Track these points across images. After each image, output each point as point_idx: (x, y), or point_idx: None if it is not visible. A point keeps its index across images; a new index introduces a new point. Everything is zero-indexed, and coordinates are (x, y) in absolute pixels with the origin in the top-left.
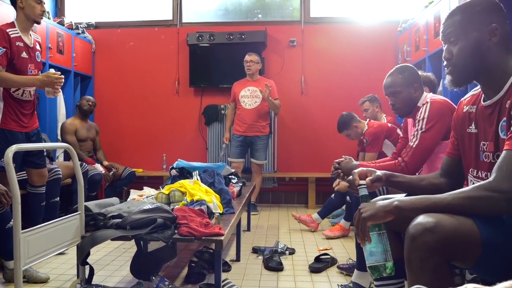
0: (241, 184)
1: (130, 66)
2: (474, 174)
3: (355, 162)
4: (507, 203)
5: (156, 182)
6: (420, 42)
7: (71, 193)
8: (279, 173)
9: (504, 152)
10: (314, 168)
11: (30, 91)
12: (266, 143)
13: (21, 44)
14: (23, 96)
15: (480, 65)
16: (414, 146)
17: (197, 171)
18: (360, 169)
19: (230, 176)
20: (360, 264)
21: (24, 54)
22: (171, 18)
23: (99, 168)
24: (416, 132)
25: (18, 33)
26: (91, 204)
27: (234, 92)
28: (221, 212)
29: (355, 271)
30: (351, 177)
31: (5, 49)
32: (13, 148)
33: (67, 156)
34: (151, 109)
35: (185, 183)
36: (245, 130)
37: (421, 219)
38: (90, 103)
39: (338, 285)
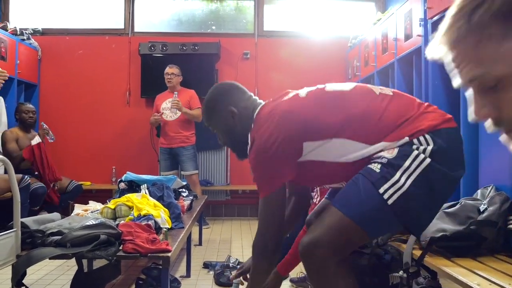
0: (191, 198)
1: (78, 75)
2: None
3: None
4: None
5: (104, 196)
6: (369, 58)
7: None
8: (232, 185)
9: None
10: None
11: None
12: (193, 153)
13: None
14: None
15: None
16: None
17: (145, 185)
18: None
19: (180, 190)
20: None
21: None
22: (122, 27)
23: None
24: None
25: None
26: (28, 220)
27: (156, 104)
28: (169, 227)
29: None
30: None
31: None
32: None
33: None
34: (101, 120)
35: (132, 197)
36: (169, 142)
37: (305, 238)
38: (31, 115)
39: None
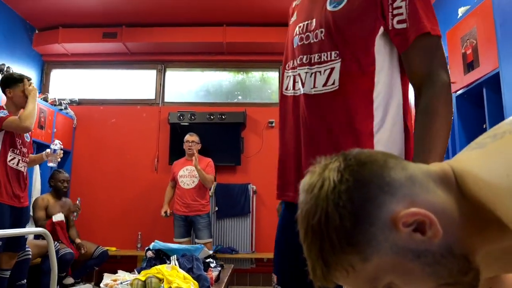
0: (219, 268)
1: (109, 142)
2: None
3: None
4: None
5: (129, 262)
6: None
7: (40, 273)
8: (257, 253)
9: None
10: None
11: (24, 159)
12: (208, 221)
13: None
14: (18, 166)
15: None
16: None
17: (175, 256)
18: None
19: (208, 260)
20: None
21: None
22: (153, 97)
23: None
24: None
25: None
26: None
27: (174, 171)
28: None
29: None
30: None
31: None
32: None
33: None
34: (129, 185)
35: (162, 269)
36: (185, 209)
37: None
38: (66, 184)
39: None
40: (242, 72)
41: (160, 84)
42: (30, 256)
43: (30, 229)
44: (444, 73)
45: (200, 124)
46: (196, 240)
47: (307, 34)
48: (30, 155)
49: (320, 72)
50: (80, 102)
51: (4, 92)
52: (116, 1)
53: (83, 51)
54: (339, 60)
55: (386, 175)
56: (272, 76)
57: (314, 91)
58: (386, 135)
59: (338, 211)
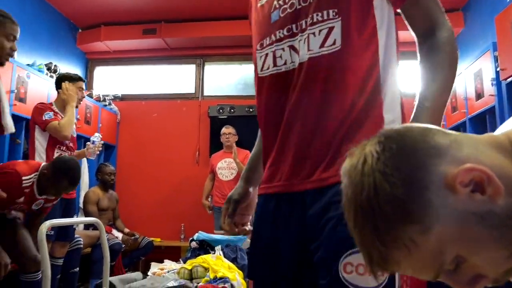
0: None
1: (152, 136)
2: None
3: None
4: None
5: (173, 253)
6: (458, 104)
7: (90, 263)
8: None
9: None
10: None
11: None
12: None
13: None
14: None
15: None
16: None
17: (219, 246)
18: None
19: None
20: None
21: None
22: (193, 92)
23: (118, 236)
24: None
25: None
26: (115, 279)
27: (212, 164)
28: None
29: None
30: None
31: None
32: (47, 224)
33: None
34: (171, 178)
35: (208, 259)
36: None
37: None
38: (113, 177)
39: None
40: None
41: (200, 78)
42: (82, 246)
43: (84, 219)
44: (446, 20)
45: (240, 117)
46: None
47: (291, 2)
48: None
49: (314, 33)
50: (123, 98)
51: (58, 88)
52: None
53: (124, 48)
54: (339, 18)
55: (430, 140)
56: None
57: (309, 55)
58: (389, 98)
59: (387, 179)
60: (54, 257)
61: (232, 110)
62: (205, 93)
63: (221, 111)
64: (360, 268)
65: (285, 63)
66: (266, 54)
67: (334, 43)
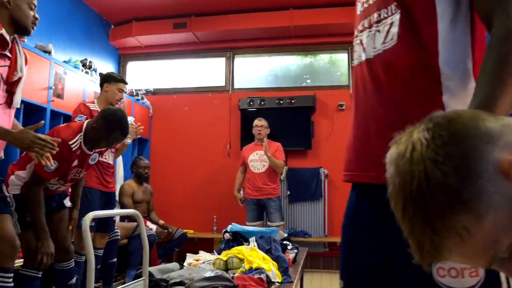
0: (296, 251)
1: (184, 130)
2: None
3: None
4: None
5: (206, 244)
6: None
7: (127, 253)
8: (330, 237)
9: None
10: None
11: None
12: (279, 204)
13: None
14: (108, 159)
15: None
16: None
17: (254, 237)
18: None
19: (285, 242)
20: None
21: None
22: (223, 85)
23: (153, 228)
24: None
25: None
26: (153, 269)
27: (243, 156)
28: (280, 281)
29: None
30: None
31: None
32: (91, 215)
33: (123, 217)
34: (203, 170)
35: (242, 250)
36: (257, 193)
37: None
38: (147, 170)
39: None
40: (310, 55)
41: (230, 71)
42: (119, 237)
43: (123, 210)
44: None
45: (270, 109)
46: (269, 223)
47: None
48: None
49: (378, 30)
50: (155, 92)
51: (101, 85)
52: None
53: (156, 42)
54: (398, 12)
55: (481, 125)
56: (341, 57)
57: (373, 52)
58: (451, 92)
59: (439, 168)
60: (95, 248)
61: (262, 103)
62: (235, 86)
63: (251, 103)
64: (453, 271)
65: (358, 57)
66: (354, 45)
67: (391, 38)
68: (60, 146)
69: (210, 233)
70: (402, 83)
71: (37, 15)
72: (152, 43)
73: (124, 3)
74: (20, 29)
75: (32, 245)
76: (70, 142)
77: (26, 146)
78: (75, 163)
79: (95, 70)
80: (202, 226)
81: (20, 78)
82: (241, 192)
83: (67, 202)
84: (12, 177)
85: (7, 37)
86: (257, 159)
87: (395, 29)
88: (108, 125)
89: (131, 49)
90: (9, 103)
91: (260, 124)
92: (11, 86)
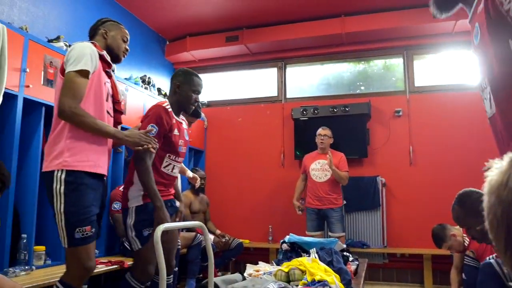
0: (357, 263)
1: (238, 140)
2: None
3: None
4: None
5: (262, 254)
6: None
7: (186, 263)
8: (389, 248)
9: None
10: (429, 243)
11: (176, 166)
12: (341, 215)
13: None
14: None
15: None
16: None
17: (314, 249)
18: None
19: (346, 254)
20: None
21: (176, 131)
22: (276, 95)
23: (210, 238)
24: None
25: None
26: (218, 280)
27: (305, 165)
28: None
29: None
30: None
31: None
32: (162, 227)
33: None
34: (257, 180)
35: (304, 261)
36: (318, 203)
37: None
38: (203, 181)
39: None
40: (363, 62)
41: (282, 81)
42: (180, 247)
43: (189, 223)
44: None
45: (324, 118)
46: (330, 234)
47: None
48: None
49: None
50: (209, 104)
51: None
52: (237, 6)
53: (209, 56)
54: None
55: None
56: (396, 62)
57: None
58: None
59: None
60: None
61: (315, 111)
62: (288, 96)
63: (304, 112)
64: None
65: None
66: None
67: None
68: (157, 109)
69: (265, 243)
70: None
71: (128, 47)
72: (205, 57)
73: (178, 19)
74: (112, 57)
75: (148, 260)
76: (164, 105)
77: (138, 140)
78: (176, 131)
79: (153, 86)
80: (257, 236)
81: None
82: (301, 201)
83: (176, 203)
84: (132, 187)
85: (108, 58)
86: (319, 168)
87: None
88: (185, 75)
89: (186, 63)
90: (119, 122)
91: (323, 133)
92: (118, 105)
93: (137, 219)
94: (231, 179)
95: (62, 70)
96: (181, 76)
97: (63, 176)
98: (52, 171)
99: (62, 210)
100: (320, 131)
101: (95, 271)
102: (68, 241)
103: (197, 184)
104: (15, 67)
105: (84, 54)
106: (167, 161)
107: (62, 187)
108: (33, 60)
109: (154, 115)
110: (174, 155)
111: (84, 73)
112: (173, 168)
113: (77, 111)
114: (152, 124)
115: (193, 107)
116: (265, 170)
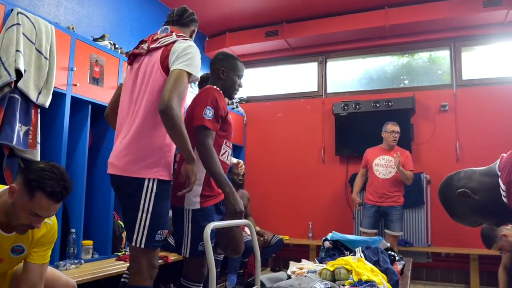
0: (403, 262)
1: (277, 136)
2: None
3: None
4: None
5: (302, 251)
6: None
7: (227, 259)
8: (433, 247)
9: None
10: (476, 243)
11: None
12: (401, 213)
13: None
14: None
15: None
16: None
17: (360, 248)
18: None
19: (392, 253)
20: None
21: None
22: (316, 90)
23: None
24: None
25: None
26: (264, 278)
27: (368, 159)
28: None
29: None
30: None
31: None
32: (211, 226)
33: None
34: (298, 177)
35: (350, 260)
36: (378, 200)
37: None
38: (241, 177)
39: None
40: (407, 55)
41: (322, 76)
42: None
43: (237, 221)
44: None
45: (365, 113)
46: (387, 232)
47: None
48: None
49: None
50: (249, 100)
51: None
52: (276, 0)
53: (248, 51)
54: None
55: None
56: (442, 55)
57: None
58: None
59: None
60: (216, 253)
61: (357, 106)
62: (329, 90)
63: (345, 107)
64: None
65: None
66: None
67: None
68: (212, 91)
69: (305, 239)
70: None
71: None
72: (245, 52)
73: (218, 15)
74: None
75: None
76: (215, 86)
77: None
78: (230, 116)
79: (194, 83)
80: (297, 232)
81: None
82: (359, 202)
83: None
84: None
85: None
86: (383, 164)
87: None
88: (228, 60)
89: None
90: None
91: (397, 130)
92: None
93: (193, 226)
94: (271, 175)
95: (162, 59)
96: (224, 61)
97: (155, 182)
98: (143, 178)
99: (150, 210)
100: (393, 127)
101: None
102: (147, 241)
103: (241, 170)
104: (63, 66)
105: (199, 62)
106: (224, 148)
107: (155, 187)
108: (80, 59)
109: (209, 97)
110: (229, 141)
111: (189, 77)
112: (228, 155)
113: (180, 114)
114: (208, 107)
115: (237, 92)
116: (305, 166)
